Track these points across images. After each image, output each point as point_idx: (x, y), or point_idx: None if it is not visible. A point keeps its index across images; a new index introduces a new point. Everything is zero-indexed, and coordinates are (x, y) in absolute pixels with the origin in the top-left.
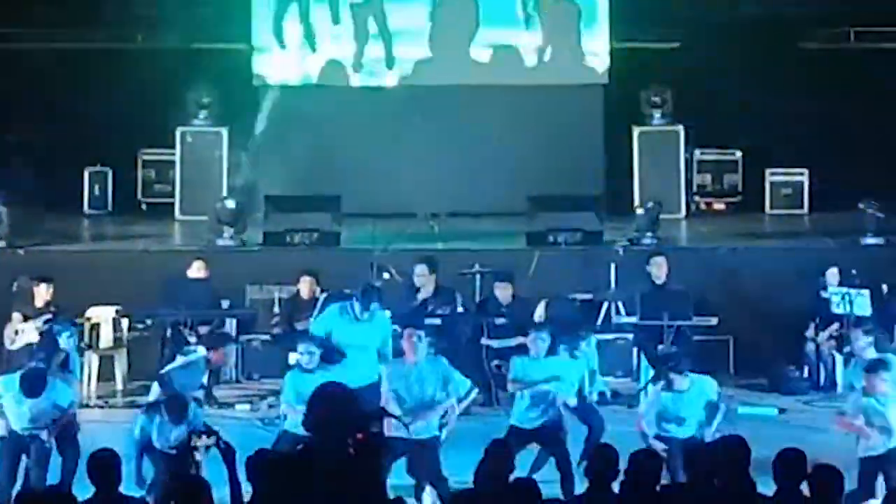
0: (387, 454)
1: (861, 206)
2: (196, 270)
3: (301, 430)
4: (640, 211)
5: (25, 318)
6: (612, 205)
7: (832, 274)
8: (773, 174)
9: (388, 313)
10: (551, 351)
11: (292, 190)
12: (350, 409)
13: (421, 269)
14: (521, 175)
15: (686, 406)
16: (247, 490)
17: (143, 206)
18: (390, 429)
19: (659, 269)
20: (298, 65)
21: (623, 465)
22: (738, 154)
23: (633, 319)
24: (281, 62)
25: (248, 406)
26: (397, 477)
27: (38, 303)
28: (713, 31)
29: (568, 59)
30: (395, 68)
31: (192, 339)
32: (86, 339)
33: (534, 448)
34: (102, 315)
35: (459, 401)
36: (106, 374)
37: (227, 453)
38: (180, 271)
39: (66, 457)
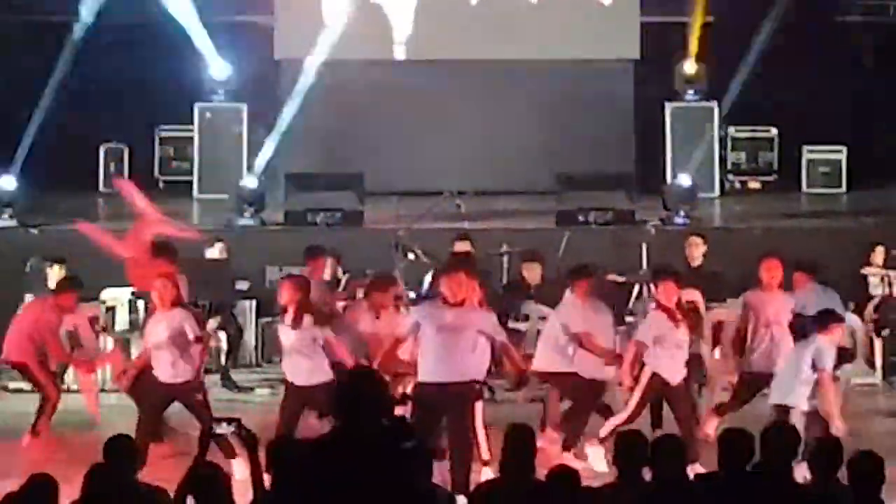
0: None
1: None
2: (216, 252)
3: None
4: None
5: None
6: (643, 183)
7: (878, 252)
8: (809, 151)
9: None
10: None
11: (314, 168)
12: (377, 393)
13: (464, 246)
14: (550, 152)
15: None
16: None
17: (161, 185)
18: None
19: (695, 250)
20: (322, 40)
21: None
22: (774, 131)
23: None
24: (303, 37)
25: (268, 391)
26: None
27: (51, 284)
28: (747, 5)
29: (598, 34)
30: (421, 43)
31: (212, 324)
32: (101, 321)
33: None
34: (118, 297)
35: None
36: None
37: (249, 440)
38: (197, 251)
39: None
